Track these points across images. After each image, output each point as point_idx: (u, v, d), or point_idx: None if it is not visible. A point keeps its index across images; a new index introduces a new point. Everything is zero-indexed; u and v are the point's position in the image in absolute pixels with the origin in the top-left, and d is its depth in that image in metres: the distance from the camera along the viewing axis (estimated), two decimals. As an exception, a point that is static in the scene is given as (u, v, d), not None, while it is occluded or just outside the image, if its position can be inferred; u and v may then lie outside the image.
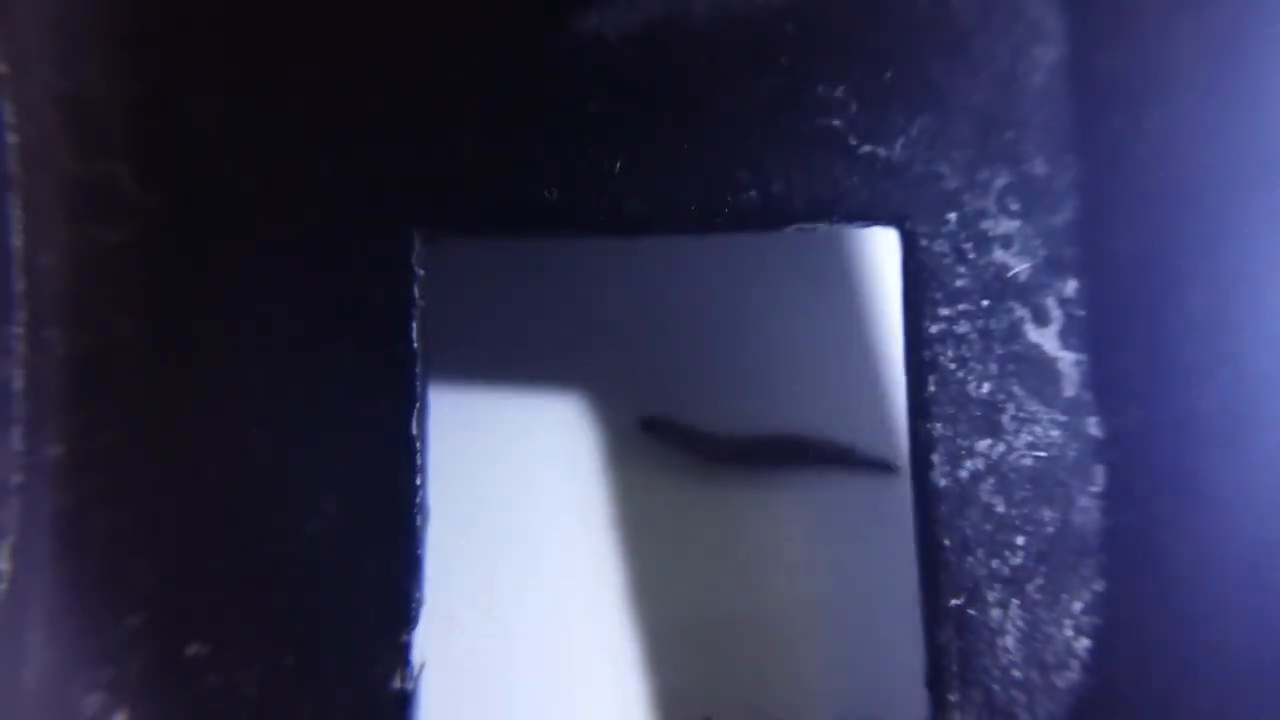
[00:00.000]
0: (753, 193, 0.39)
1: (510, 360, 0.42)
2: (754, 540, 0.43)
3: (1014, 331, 0.39)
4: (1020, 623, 0.38)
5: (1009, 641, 0.38)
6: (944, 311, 0.39)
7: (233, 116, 0.38)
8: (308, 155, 0.38)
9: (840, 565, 0.41)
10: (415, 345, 0.38)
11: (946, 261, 0.39)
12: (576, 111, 0.39)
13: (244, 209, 0.38)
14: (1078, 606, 0.38)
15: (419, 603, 0.38)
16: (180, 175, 0.38)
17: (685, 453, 0.42)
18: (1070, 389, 0.38)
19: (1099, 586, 0.38)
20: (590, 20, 0.39)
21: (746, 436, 0.42)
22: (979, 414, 0.38)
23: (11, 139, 0.37)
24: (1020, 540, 0.38)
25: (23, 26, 0.37)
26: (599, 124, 0.39)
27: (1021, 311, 0.39)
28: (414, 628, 0.38)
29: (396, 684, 0.37)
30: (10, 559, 0.36)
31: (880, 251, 0.47)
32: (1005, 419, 0.38)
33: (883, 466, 0.42)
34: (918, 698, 0.39)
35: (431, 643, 0.37)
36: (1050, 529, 0.38)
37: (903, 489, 0.40)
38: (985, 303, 0.39)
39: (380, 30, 0.38)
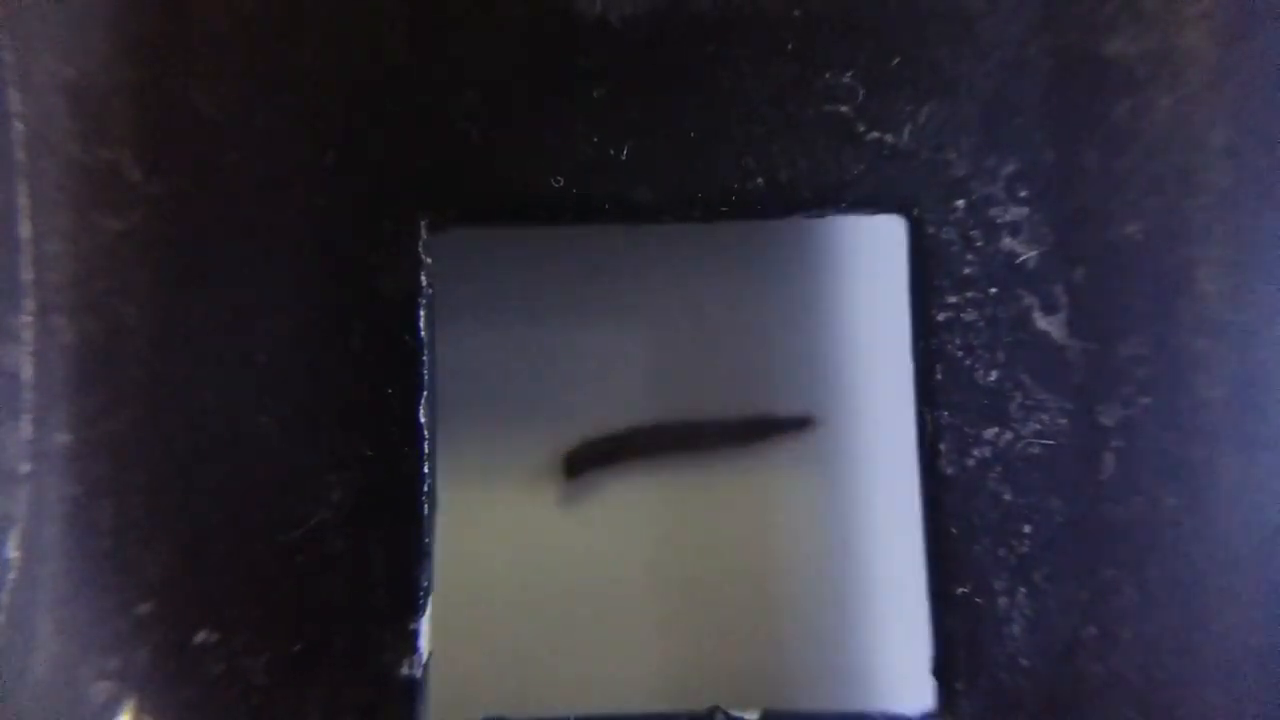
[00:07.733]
0: (759, 180, 0.39)
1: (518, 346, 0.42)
2: (758, 525, 0.43)
3: (1022, 319, 0.39)
4: (1028, 611, 0.38)
5: (1016, 630, 0.38)
6: (951, 299, 0.39)
7: (237, 103, 0.38)
8: (313, 143, 0.38)
9: (847, 549, 0.41)
10: (423, 333, 0.38)
11: (954, 249, 0.39)
12: (582, 98, 0.38)
13: (249, 196, 0.38)
14: (1085, 595, 0.38)
15: (427, 590, 0.38)
16: (185, 162, 0.38)
17: (612, 468, 0.40)
18: (1078, 377, 0.38)
19: (1107, 575, 0.38)
20: (595, 5, 0.38)
21: (654, 426, 0.40)
22: (986, 402, 0.38)
23: (17, 127, 0.37)
24: (1027, 529, 0.38)
25: (27, 14, 0.37)
26: (605, 110, 0.39)
27: (1030, 299, 0.39)
28: (422, 615, 0.38)
29: (405, 671, 0.37)
30: (19, 547, 0.36)
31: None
32: (1013, 407, 0.38)
33: (801, 423, 0.40)
34: (925, 687, 0.39)
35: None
36: (1058, 518, 0.38)
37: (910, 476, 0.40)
38: (993, 290, 0.39)
39: (385, 16, 0.38)
